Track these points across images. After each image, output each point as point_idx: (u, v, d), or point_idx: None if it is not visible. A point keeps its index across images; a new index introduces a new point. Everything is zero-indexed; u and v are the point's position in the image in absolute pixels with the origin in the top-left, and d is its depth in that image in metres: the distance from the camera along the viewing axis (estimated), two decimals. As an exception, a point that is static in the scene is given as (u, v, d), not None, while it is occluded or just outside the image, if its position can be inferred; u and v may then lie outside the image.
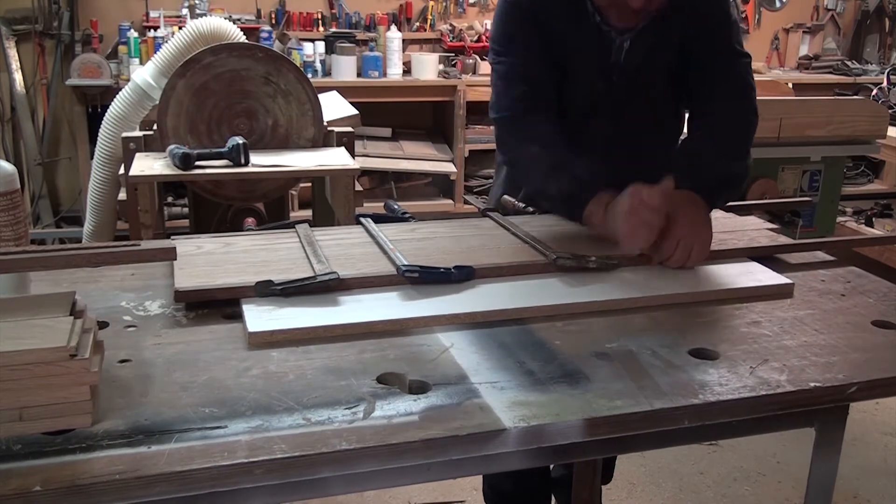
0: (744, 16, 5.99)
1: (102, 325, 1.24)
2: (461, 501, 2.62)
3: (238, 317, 1.29)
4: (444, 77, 5.12)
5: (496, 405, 1.06)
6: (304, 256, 1.49)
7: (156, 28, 4.74)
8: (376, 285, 1.40)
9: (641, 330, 1.31)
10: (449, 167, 5.14)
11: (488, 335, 1.27)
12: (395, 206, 1.86)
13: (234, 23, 3.47)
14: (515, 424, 1.02)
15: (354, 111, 3.19)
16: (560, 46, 1.72)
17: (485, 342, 1.25)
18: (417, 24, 5.40)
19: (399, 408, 1.05)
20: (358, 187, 2.67)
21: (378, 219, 1.74)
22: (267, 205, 2.98)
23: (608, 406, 1.07)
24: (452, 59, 5.29)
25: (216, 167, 2.39)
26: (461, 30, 5.37)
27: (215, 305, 1.33)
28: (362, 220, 1.72)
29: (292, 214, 3.59)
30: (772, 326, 1.35)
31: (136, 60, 4.62)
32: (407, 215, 1.80)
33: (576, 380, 1.13)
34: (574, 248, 1.53)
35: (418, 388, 1.10)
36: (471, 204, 1.93)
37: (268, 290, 1.33)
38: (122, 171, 2.66)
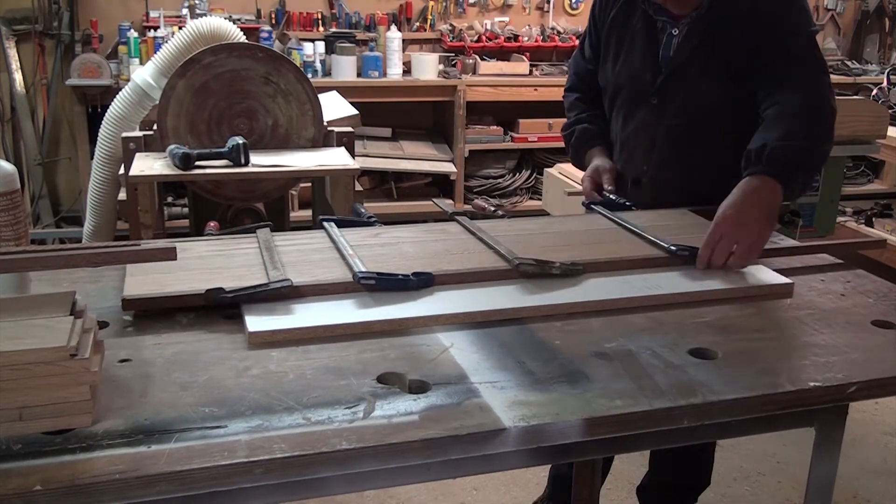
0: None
1: (102, 324, 1.24)
2: None
3: (238, 317, 1.29)
4: (444, 77, 5.12)
5: (496, 405, 1.06)
6: (260, 262, 1.46)
7: (156, 28, 4.73)
8: (332, 292, 1.36)
9: (641, 330, 1.31)
10: (449, 167, 5.13)
11: (488, 335, 1.27)
12: (361, 210, 1.81)
13: (234, 23, 3.46)
14: (515, 424, 1.02)
15: (354, 111, 3.19)
16: (610, 35, 1.99)
17: (485, 342, 1.25)
18: (417, 24, 5.39)
19: (399, 407, 1.05)
20: (358, 187, 2.67)
21: (342, 223, 1.69)
22: (267, 205, 2.97)
23: (608, 406, 1.07)
24: (452, 59, 5.29)
25: (216, 167, 2.39)
26: (461, 30, 5.36)
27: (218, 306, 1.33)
28: (325, 224, 1.66)
29: (292, 214, 3.59)
30: (771, 326, 1.35)
31: (136, 60, 4.61)
32: (372, 219, 1.74)
33: (575, 379, 1.14)
34: (540, 254, 1.50)
35: (418, 388, 1.10)
36: (439, 207, 1.89)
37: (218, 299, 1.30)
38: (122, 171, 2.66)
